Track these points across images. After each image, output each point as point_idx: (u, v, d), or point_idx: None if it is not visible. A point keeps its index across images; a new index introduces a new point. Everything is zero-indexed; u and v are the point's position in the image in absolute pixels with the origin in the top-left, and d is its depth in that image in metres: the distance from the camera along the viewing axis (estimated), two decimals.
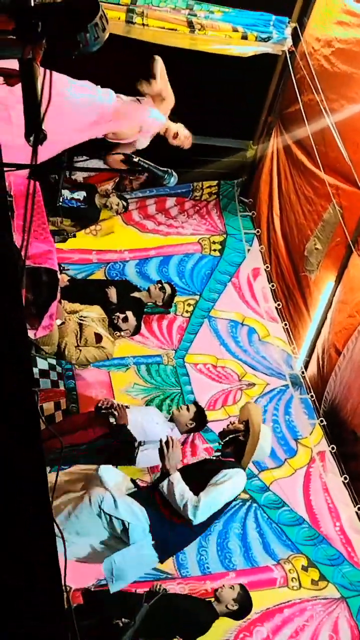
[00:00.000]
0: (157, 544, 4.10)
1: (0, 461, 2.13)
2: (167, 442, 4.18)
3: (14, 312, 2.51)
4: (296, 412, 6.41)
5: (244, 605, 4.66)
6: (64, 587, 2.03)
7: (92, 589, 4.59)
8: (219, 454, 4.47)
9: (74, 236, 6.61)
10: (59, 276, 4.73)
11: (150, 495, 4.18)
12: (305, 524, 5.65)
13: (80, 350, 5.57)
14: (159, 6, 5.90)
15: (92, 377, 6.19)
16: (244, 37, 6.14)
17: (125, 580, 4.09)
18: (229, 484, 4.16)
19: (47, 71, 2.78)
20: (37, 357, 5.82)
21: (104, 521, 4.06)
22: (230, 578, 5.11)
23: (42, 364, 5.92)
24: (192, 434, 5.80)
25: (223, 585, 4.74)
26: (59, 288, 4.57)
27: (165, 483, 4.10)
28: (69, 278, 6.40)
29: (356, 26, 5.79)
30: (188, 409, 5.49)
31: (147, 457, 5.23)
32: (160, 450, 4.18)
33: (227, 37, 6.08)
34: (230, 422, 4.58)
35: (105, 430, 5.19)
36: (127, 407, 5.57)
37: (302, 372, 6.72)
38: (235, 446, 4.39)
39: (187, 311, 6.97)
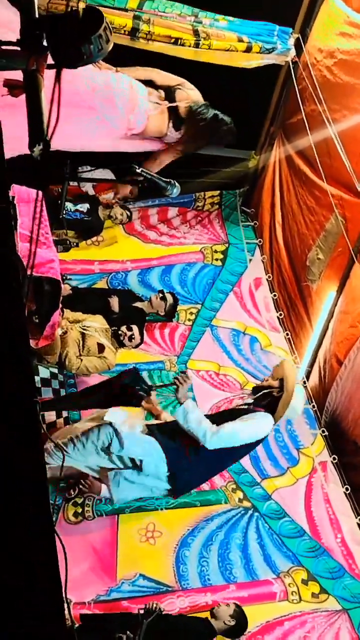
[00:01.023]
0: (171, 476, 4.15)
1: (0, 462, 2.13)
2: (177, 378, 4.41)
3: (16, 321, 2.51)
4: (298, 422, 6.39)
5: (240, 620, 4.66)
6: (65, 600, 2.03)
7: (92, 605, 4.59)
8: (251, 402, 4.53)
9: (77, 245, 6.63)
10: (62, 285, 4.74)
11: (171, 430, 4.21)
12: (306, 535, 5.62)
13: (82, 360, 5.57)
14: (165, 12, 5.89)
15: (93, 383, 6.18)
16: (249, 48, 6.14)
17: (128, 497, 4.16)
18: (254, 422, 4.26)
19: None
20: (39, 366, 5.82)
21: (112, 458, 4.13)
22: (231, 591, 5.09)
23: (43, 372, 5.92)
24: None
25: (219, 604, 4.76)
26: (61, 297, 4.57)
27: (181, 412, 4.14)
28: (71, 287, 6.41)
29: (359, 37, 5.81)
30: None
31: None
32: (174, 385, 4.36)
33: (232, 47, 6.08)
34: (264, 379, 4.65)
35: None
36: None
37: (304, 382, 6.71)
38: (269, 400, 4.45)
39: (189, 319, 6.98)
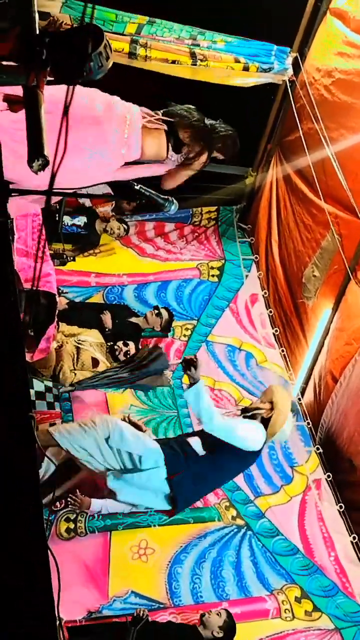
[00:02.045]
0: (171, 480, 4.15)
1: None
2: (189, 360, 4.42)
3: (13, 334, 2.51)
4: (292, 439, 6.37)
5: (228, 632, 4.63)
6: (57, 618, 2.02)
7: (82, 622, 4.55)
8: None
9: (73, 260, 6.63)
10: (58, 299, 4.75)
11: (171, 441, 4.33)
12: (300, 553, 5.59)
13: (76, 374, 5.56)
14: (163, 36, 5.96)
15: (88, 398, 6.16)
16: (246, 68, 6.20)
17: (126, 498, 4.16)
18: (250, 425, 4.28)
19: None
20: (33, 379, 5.80)
21: (112, 452, 4.14)
22: (223, 607, 5.06)
23: (38, 386, 5.90)
24: None
25: (210, 611, 4.71)
26: (56, 311, 4.58)
27: (193, 390, 4.18)
28: (67, 301, 6.41)
29: (357, 57, 5.86)
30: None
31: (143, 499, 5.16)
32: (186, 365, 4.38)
33: (229, 68, 6.14)
34: (253, 402, 4.67)
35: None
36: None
37: (299, 399, 6.70)
38: (260, 420, 4.48)
39: (184, 335, 6.98)
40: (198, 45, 6.04)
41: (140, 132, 4.15)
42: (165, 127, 4.25)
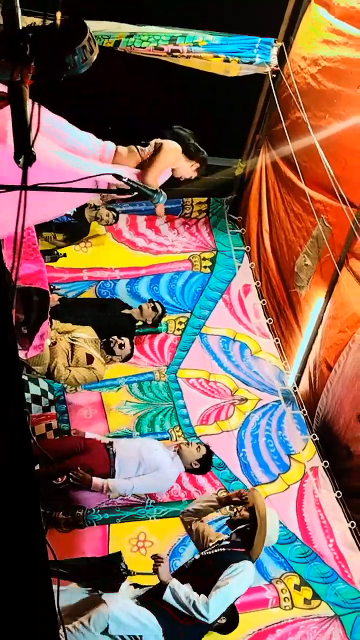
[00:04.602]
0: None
1: None
2: (155, 559, 4.26)
3: (4, 331, 2.51)
4: (289, 428, 6.41)
5: (231, 619, 4.62)
6: (57, 612, 2.02)
7: None
8: (228, 542, 4.50)
9: (65, 256, 6.62)
10: (50, 296, 4.74)
11: (160, 606, 4.23)
12: (298, 541, 5.62)
13: (70, 371, 5.55)
14: (142, 46, 6.03)
15: (83, 399, 6.18)
16: (226, 61, 6.25)
17: None
18: (238, 580, 4.24)
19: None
20: (29, 383, 5.80)
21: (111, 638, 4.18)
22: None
23: (34, 389, 5.90)
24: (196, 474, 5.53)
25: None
26: (49, 308, 4.57)
27: (168, 593, 4.15)
28: (59, 297, 6.41)
29: (342, 45, 5.85)
30: (198, 449, 5.25)
31: (144, 482, 5.21)
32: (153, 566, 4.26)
33: (208, 61, 6.21)
34: (237, 510, 4.62)
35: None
36: (130, 435, 5.60)
37: (294, 388, 6.72)
38: (244, 536, 4.43)
39: (178, 329, 6.98)
40: (178, 50, 6.13)
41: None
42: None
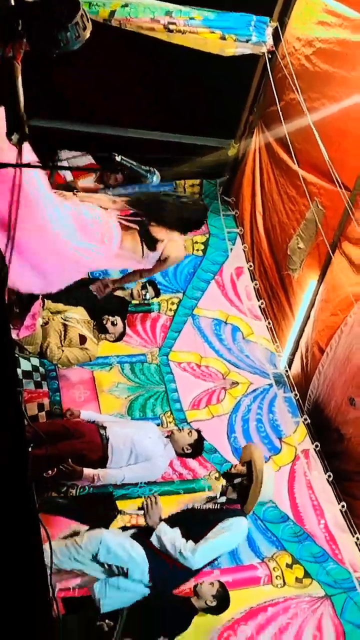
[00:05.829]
0: (153, 585, 4.21)
1: None
2: (147, 500, 4.35)
3: None
4: (280, 411, 6.42)
5: (222, 601, 4.67)
6: (50, 586, 2.03)
7: (76, 590, 4.58)
8: (223, 500, 4.51)
9: None
10: None
11: (149, 545, 4.29)
12: (290, 521, 5.66)
13: (63, 351, 5.56)
14: (138, 17, 5.95)
15: (75, 377, 6.17)
16: (223, 38, 6.19)
17: (113, 606, 4.21)
18: (229, 535, 4.28)
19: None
20: (20, 358, 5.79)
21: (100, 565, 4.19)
22: (215, 576, 5.11)
23: (25, 365, 5.90)
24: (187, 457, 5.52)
25: (202, 581, 4.75)
26: None
27: (154, 538, 4.19)
28: None
29: (337, 26, 5.82)
30: (190, 434, 5.26)
31: (134, 472, 5.24)
32: (143, 507, 4.35)
33: (204, 38, 6.14)
34: (233, 465, 4.63)
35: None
36: (121, 418, 5.66)
37: (286, 371, 6.74)
38: (239, 490, 4.43)
39: (170, 309, 6.98)
40: (174, 23, 6.03)
41: (119, 227, 4.09)
42: (137, 227, 4.16)
